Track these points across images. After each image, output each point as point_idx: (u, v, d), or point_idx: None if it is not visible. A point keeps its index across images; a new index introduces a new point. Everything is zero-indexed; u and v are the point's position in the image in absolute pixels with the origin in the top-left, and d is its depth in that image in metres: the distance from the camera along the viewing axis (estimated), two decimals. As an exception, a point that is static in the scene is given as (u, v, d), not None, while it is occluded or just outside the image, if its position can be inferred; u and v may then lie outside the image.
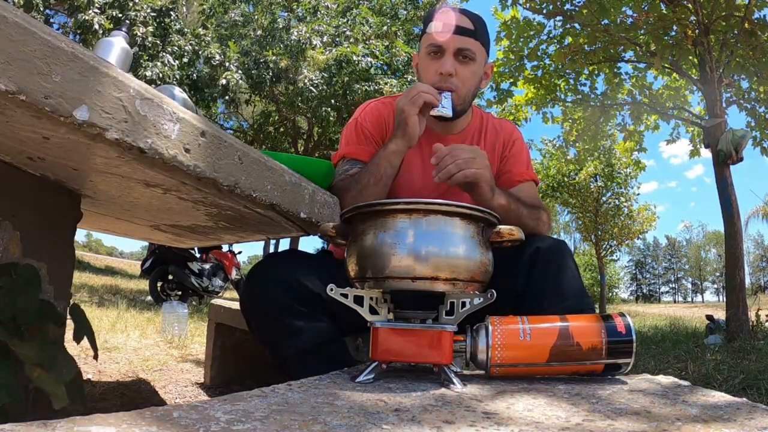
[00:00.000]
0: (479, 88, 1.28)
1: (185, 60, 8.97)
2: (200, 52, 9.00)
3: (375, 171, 1.18)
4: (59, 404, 0.69)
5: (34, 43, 0.54)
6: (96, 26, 7.33)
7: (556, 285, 1.04)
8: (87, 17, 7.35)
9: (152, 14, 8.15)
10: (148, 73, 7.74)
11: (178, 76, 8.52)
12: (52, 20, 9.86)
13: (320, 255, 1.27)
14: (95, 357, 0.83)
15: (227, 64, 8.76)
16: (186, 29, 9.26)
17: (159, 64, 7.96)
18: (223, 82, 8.78)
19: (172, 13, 8.44)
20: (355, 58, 8.19)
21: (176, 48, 8.57)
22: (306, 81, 8.43)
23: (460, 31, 1.18)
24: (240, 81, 8.96)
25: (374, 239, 0.76)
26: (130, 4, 7.82)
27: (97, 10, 7.53)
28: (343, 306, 0.79)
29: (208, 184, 0.79)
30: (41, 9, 8.37)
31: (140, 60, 7.87)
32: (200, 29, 9.57)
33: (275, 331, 1.01)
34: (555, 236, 1.16)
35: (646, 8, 4.97)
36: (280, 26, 9.13)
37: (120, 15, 7.72)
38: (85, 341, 0.85)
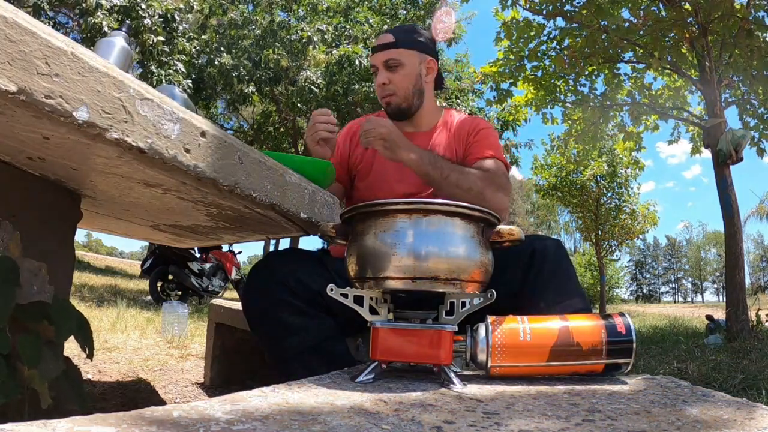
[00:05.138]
0: (425, 81, 1.42)
1: (195, 64, 8.99)
2: (213, 62, 9.03)
3: None
4: (45, 402, 0.69)
5: (34, 43, 0.54)
6: (105, 29, 7.35)
7: (553, 286, 1.04)
8: (96, 20, 7.37)
9: (160, 20, 8.15)
10: (163, 81, 7.75)
11: (190, 84, 8.53)
12: (57, 23, 9.87)
13: (319, 253, 1.28)
14: (89, 357, 0.82)
15: (239, 74, 8.80)
16: (192, 34, 9.26)
17: (172, 72, 7.97)
18: (239, 93, 8.87)
19: (177, 15, 8.43)
20: (357, 60, 8.20)
21: (183, 56, 8.58)
22: (307, 80, 8.43)
23: (381, 48, 1.38)
24: (254, 90, 9.03)
25: (374, 239, 0.76)
26: (138, 12, 7.82)
27: (105, 13, 7.54)
28: (342, 305, 0.79)
29: (208, 184, 0.79)
30: (48, 14, 8.37)
31: (150, 68, 7.87)
32: (203, 35, 9.57)
33: (276, 329, 1.01)
34: (555, 236, 1.17)
35: (644, 8, 4.98)
36: (281, 26, 9.13)
37: (127, 20, 7.73)
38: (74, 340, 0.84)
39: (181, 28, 8.66)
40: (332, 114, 1.34)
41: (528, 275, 1.05)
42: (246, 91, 8.87)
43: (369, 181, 1.42)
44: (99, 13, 7.41)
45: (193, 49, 8.96)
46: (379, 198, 0.78)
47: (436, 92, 1.53)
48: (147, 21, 7.84)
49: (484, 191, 1.22)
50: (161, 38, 7.95)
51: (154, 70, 7.80)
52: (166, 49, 8.08)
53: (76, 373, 0.80)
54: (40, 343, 0.72)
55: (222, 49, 9.28)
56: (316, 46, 8.55)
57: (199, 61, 9.11)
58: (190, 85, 8.54)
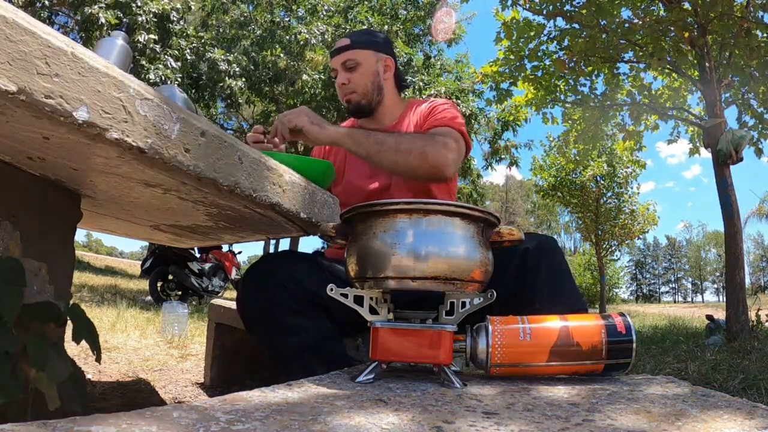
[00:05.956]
0: (383, 78, 1.48)
1: (188, 61, 8.97)
2: (203, 56, 9.02)
3: None
4: (53, 405, 0.69)
5: (34, 43, 0.54)
6: (102, 20, 7.32)
7: (547, 285, 1.04)
8: (93, 11, 7.35)
9: (154, 19, 8.13)
10: (151, 76, 7.74)
11: (179, 78, 8.51)
12: (54, 19, 9.86)
13: (314, 255, 1.29)
14: (97, 359, 0.82)
15: (230, 70, 8.78)
16: (188, 31, 9.25)
17: (161, 66, 7.95)
18: (228, 91, 8.85)
19: (173, 16, 8.42)
20: None
21: (176, 51, 8.58)
22: (304, 85, 8.46)
23: (337, 51, 1.45)
24: (242, 86, 9.00)
25: (374, 239, 0.76)
26: (134, 8, 7.80)
27: (102, 5, 7.53)
28: (342, 305, 0.79)
29: (208, 184, 0.79)
30: (46, 4, 8.35)
31: (141, 63, 7.86)
32: (202, 33, 9.58)
33: (275, 329, 1.01)
34: (555, 236, 1.17)
35: (643, 8, 4.98)
36: (280, 26, 9.13)
37: (122, 16, 7.71)
38: (84, 342, 0.85)
39: (178, 27, 8.65)
40: (329, 114, 1.37)
41: (522, 274, 1.05)
42: (233, 85, 8.82)
43: (342, 186, 1.45)
44: (96, 6, 7.40)
45: (189, 48, 8.94)
46: (354, 200, 0.79)
47: (401, 94, 1.57)
48: (141, 18, 7.84)
49: (426, 149, 1.23)
50: (153, 36, 7.93)
51: (145, 65, 7.79)
52: (157, 48, 8.06)
53: (80, 375, 0.80)
54: (46, 344, 0.72)
55: (215, 45, 9.26)
56: (314, 48, 8.55)
57: (191, 58, 9.09)
58: (179, 80, 8.51)
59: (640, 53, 5.19)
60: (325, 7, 9.30)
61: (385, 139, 1.22)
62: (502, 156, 10.87)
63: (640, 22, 4.86)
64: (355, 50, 1.44)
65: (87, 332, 0.79)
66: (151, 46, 7.93)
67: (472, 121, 9.63)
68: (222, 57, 8.82)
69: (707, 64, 4.71)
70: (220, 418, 0.49)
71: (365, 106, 1.46)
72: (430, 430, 0.50)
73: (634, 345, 0.77)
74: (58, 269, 0.94)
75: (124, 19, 7.62)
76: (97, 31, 7.36)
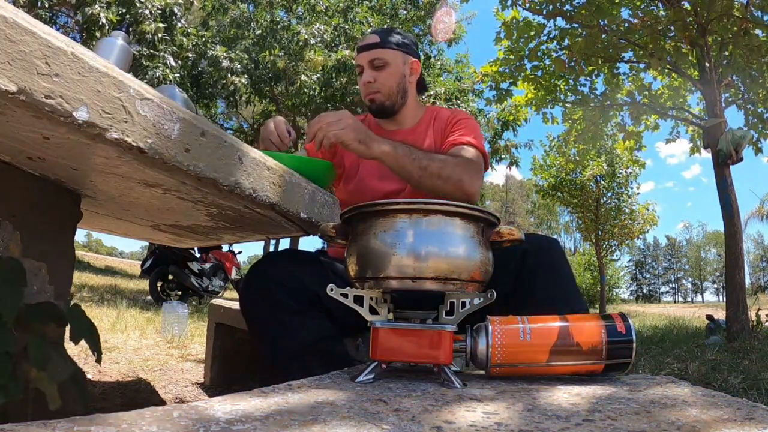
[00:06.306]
0: (408, 81, 1.46)
1: (189, 59, 8.96)
2: (205, 54, 9.01)
3: None
4: (54, 405, 0.69)
5: (34, 43, 0.54)
6: (103, 20, 7.32)
7: (547, 285, 1.04)
8: (94, 11, 7.35)
9: (159, 11, 8.12)
10: (147, 75, 7.74)
11: (178, 78, 8.51)
12: (55, 20, 9.86)
13: (316, 254, 1.29)
14: (98, 360, 0.82)
15: (233, 66, 8.76)
16: (189, 29, 9.25)
17: (161, 65, 7.95)
18: (231, 88, 8.84)
19: (176, 11, 8.41)
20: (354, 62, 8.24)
21: (176, 48, 8.57)
22: (302, 85, 8.46)
23: (366, 48, 1.42)
24: (245, 83, 8.99)
25: (374, 239, 0.76)
26: (137, 4, 7.80)
27: (103, 5, 7.53)
28: (342, 305, 0.79)
29: (208, 184, 0.79)
30: (46, 5, 8.34)
31: (141, 60, 7.86)
32: (203, 32, 9.58)
33: (275, 329, 1.01)
34: (555, 236, 1.17)
35: (643, 8, 4.98)
36: (280, 26, 9.13)
37: (125, 12, 7.70)
38: (85, 342, 0.85)
39: (180, 23, 8.65)
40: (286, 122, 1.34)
41: (522, 274, 1.05)
42: (237, 82, 8.79)
43: (355, 185, 1.43)
44: (96, 5, 7.39)
45: (191, 45, 8.94)
46: (367, 200, 0.78)
47: (420, 96, 1.55)
48: (146, 12, 7.83)
49: (463, 178, 1.23)
50: (161, 25, 7.91)
51: (144, 63, 7.78)
52: (167, 37, 8.05)
53: (81, 375, 0.80)
54: (46, 344, 0.72)
55: (216, 43, 9.25)
56: (313, 48, 8.55)
57: (192, 55, 9.07)
58: (178, 79, 8.50)
59: (640, 53, 5.19)
60: (324, 6, 9.29)
61: (429, 164, 1.20)
62: (502, 156, 10.87)
63: (640, 22, 4.87)
64: (385, 49, 1.42)
65: (88, 333, 0.79)
66: (161, 35, 7.89)
67: (472, 121, 9.62)
68: (224, 54, 8.81)
69: (707, 64, 4.72)
70: (220, 418, 0.49)
71: (388, 108, 1.44)
72: (430, 430, 0.50)
73: (634, 345, 0.77)
74: (58, 269, 0.94)
75: (127, 16, 7.62)
76: (97, 31, 7.36)
